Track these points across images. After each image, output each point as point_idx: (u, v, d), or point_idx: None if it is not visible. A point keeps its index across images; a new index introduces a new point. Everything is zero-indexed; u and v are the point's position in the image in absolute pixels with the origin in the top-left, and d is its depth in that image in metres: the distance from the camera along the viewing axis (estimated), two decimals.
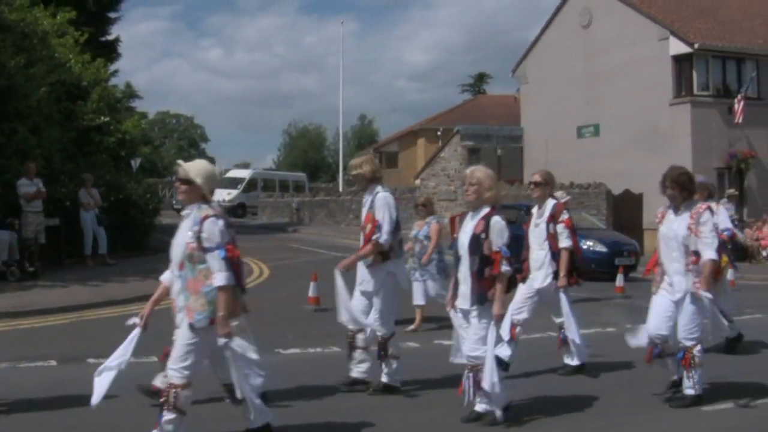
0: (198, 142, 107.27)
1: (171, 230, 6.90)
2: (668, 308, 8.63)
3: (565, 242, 10.06)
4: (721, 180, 30.97)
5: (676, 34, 31.31)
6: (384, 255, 8.95)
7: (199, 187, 6.64)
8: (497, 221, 7.84)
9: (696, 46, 30.55)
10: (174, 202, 51.70)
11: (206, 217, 6.55)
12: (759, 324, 15.00)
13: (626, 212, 30.52)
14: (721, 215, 11.25)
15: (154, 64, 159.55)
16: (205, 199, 6.68)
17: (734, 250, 27.95)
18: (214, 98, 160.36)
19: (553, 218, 10.15)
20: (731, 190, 29.89)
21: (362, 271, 9.15)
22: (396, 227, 9.01)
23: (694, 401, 8.49)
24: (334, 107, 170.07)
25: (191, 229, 6.55)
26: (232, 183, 54.04)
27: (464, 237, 7.97)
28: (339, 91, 56.39)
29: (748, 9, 36.74)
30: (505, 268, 7.72)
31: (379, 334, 8.96)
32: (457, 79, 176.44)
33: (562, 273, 9.99)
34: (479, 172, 8.04)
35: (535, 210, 10.48)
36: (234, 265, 6.59)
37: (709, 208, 8.71)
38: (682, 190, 8.69)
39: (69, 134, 23.64)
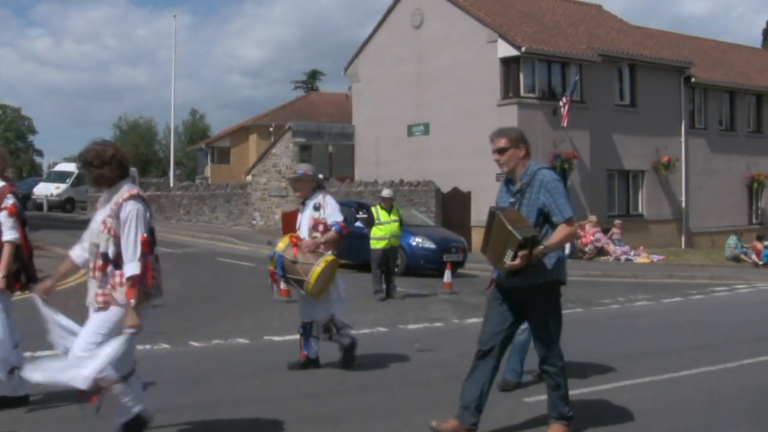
0: (25, 135, 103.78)
1: None
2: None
3: (8, 234, 7.87)
4: None
5: (504, 37, 32.01)
6: None
7: None
8: None
9: (523, 49, 31.29)
10: None
11: None
12: (579, 318, 15.58)
13: (455, 210, 31.12)
14: (329, 208, 10.04)
15: None
16: None
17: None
18: (43, 90, 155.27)
19: None
20: None
21: None
22: None
23: None
24: (165, 101, 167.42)
25: None
26: (61, 177, 52.39)
27: None
28: (171, 85, 55.48)
29: (572, 16, 37.99)
30: None
31: None
32: (290, 76, 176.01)
33: (1, 273, 7.80)
34: None
35: None
36: None
37: (138, 196, 6.44)
38: (90, 168, 6.48)
39: None
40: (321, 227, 9.96)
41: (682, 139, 37.36)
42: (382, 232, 18.32)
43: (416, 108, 35.32)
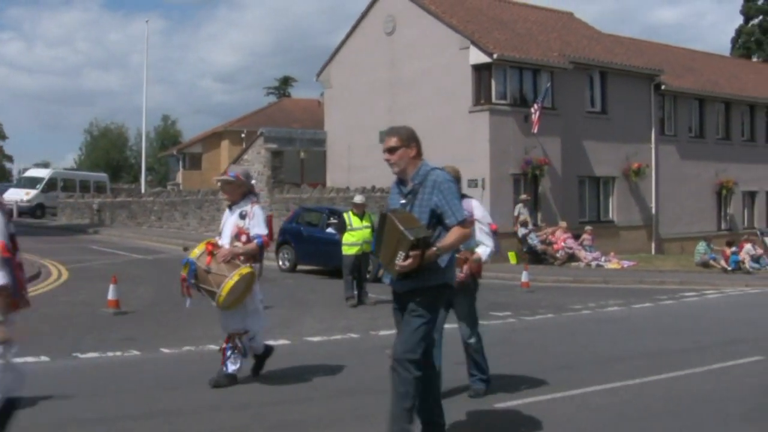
0: None
1: None
2: None
3: None
4: (517, 186, 31.99)
5: (476, 43, 32.05)
6: None
7: None
8: None
9: (495, 56, 31.34)
10: None
11: None
12: (551, 324, 15.66)
13: None
14: (255, 218, 9.39)
15: None
16: None
17: (529, 252, 29.33)
18: (13, 94, 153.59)
19: None
20: (524, 195, 31.05)
21: None
22: None
23: None
24: (137, 106, 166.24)
25: None
26: (31, 183, 52.00)
27: None
28: (142, 91, 55.27)
29: (543, 23, 38.14)
30: None
31: None
32: (262, 82, 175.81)
33: None
34: None
35: None
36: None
37: None
38: None
39: None
40: (244, 237, 9.36)
41: (653, 145, 37.57)
42: (354, 238, 18.34)
43: (388, 114, 35.25)
